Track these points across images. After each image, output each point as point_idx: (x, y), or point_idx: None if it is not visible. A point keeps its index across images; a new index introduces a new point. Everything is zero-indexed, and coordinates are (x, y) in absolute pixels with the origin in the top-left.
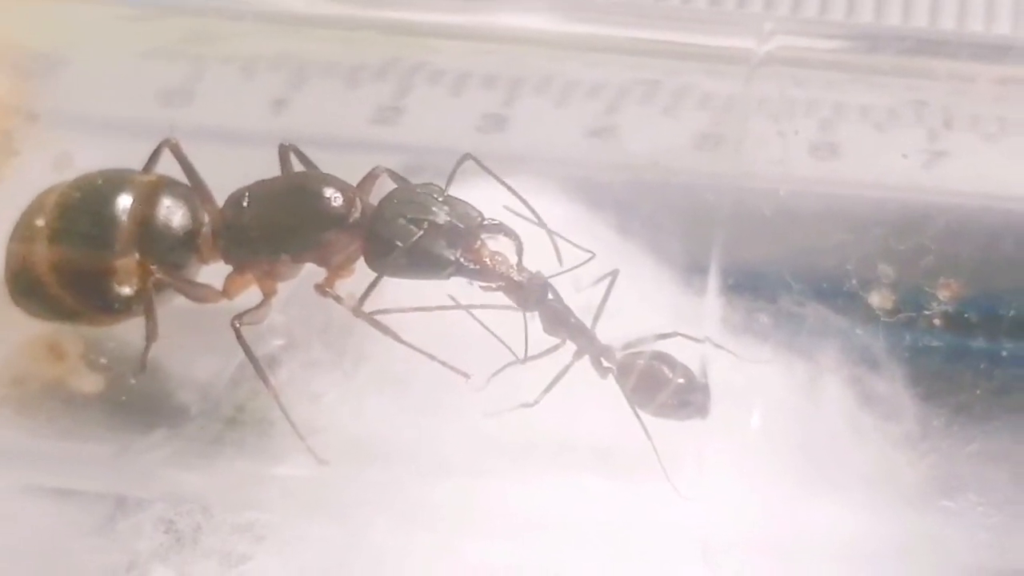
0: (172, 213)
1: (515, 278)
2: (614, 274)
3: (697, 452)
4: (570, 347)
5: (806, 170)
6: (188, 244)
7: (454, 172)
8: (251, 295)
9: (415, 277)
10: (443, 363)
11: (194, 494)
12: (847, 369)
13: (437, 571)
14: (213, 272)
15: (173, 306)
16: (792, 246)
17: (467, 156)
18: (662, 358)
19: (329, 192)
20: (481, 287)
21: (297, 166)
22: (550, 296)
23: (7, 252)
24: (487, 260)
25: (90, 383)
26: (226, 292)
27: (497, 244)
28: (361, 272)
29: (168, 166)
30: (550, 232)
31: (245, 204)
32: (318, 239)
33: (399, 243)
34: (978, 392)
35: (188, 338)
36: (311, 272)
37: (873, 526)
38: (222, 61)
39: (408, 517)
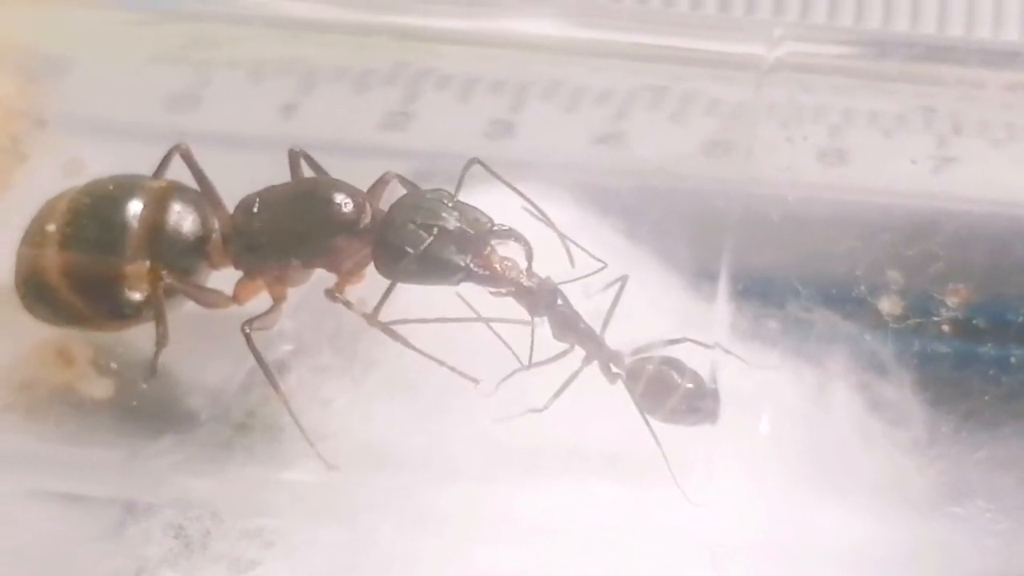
0: (183, 218)
1: (525, 284)
2: (623, 280)
3: (706, 458)
4: (579, 353)
5: (815, 176)
6: (198, 249)
7: (462, 177)
8: (261, 301)
9: (425, 283)
10: (452, 369)
11: (203, 499)
12: (855, 375)
13: None
14: (223, 278)
15: (183, 312)
16: (801, 252)
17: (474, 161)
18: (671, 363)
19: (339, 198)
20: (491, 293)
21: (307, 171)
22: (560, 302)
23: (17, 257)
24: (497, 266)
25: (99, 388)
26: (236, 297)
27: (507, 250)
28: (371, 278)
29: (178, 171)
30: (561, 236)
31: (255, 210)
32: (328, 245)
33: (409, 249)
34: (987, 398)
35: (198, 344)
36: (321, 278)
37: (881, 532)
38: (230, 66)
39: (417, 522)
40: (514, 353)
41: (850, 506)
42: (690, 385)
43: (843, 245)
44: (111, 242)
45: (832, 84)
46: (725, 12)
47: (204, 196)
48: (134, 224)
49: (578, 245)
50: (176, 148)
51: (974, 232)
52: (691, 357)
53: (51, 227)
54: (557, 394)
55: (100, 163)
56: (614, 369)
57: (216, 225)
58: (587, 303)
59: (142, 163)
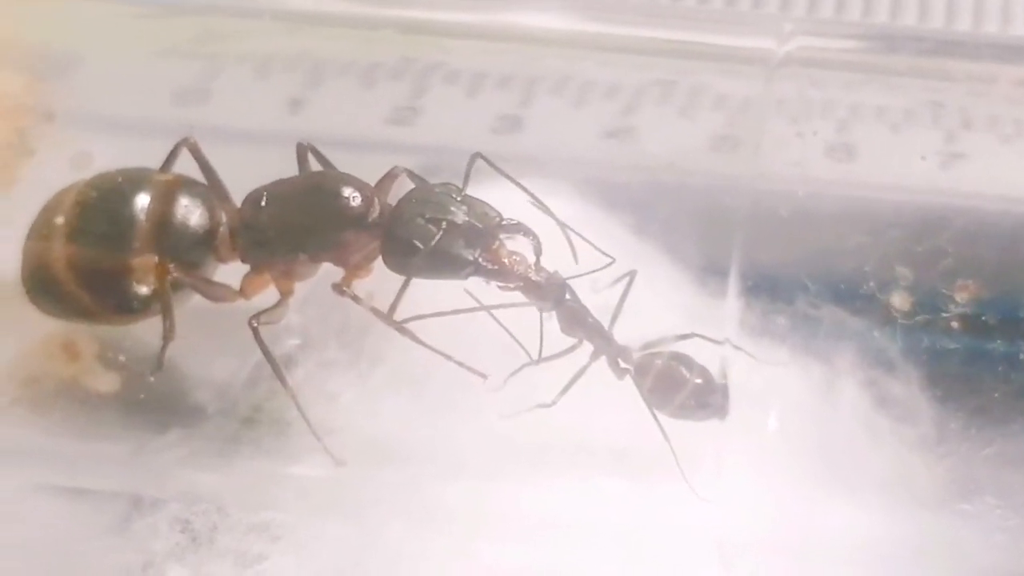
0: (190, 212)
1: (533, 278)
2: (632, 275)
3: (715, 453)
4: (587, 348)
5: (824, 172)
6: (206, 243)
7: (469, 172)
8: (268, 295)
9: (434, 277)
10: (460, 364)
11: (210, 494)
12: (864, 371)
13: (452, 572)
14: (230, 271)
15: (190, 306)
16: (810, 248)
17: (477, 155)
18: (680, 359)
19: (348, 192)
20: (499, 287)
21: (315, 166)
22: (568, 296)
23: (24, 250)
24: (506, 260)
25: (105, 382)
26: (243, 292)
27: (516, 244)
28: (379, 272)
29: (186, 165)
30: (565, 229)
31: (263, 203)
32: (336, 239)
33: (418, 243)
34: (996, 395)
35: (205, 338)
36: (328, 272)
37: (890, 528)
38: (237, 60)
39: (424, 518)
40: (523, 347)
41: (858, 502)
42: (699, 380)
43: (852, 241)
44: (118, 236)
45: (841, 79)
46: (732, 7)
47: (211, 190)
48: (141, 218)
49: (586, 240)
50: (183, 142)
51: (983, 228)
52: (700, 353)
53: (58, 220)
54: (565, 389)
55: (107, 157)
56: (622, 364)
57: (223, 219)
58: (595, 298)
59: (149, 157)
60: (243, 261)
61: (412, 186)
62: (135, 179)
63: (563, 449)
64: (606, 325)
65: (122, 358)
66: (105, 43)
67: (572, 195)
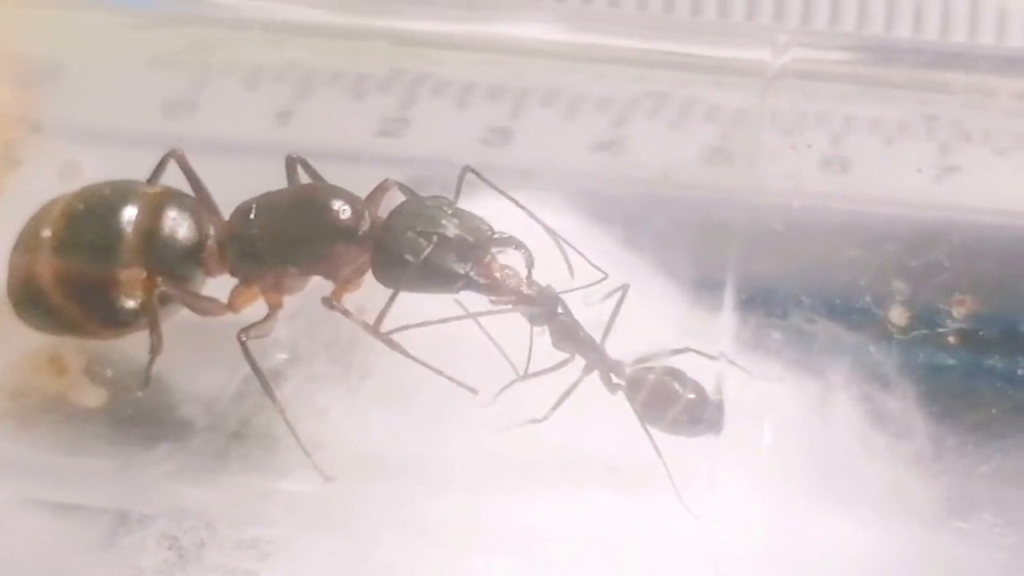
0: (178, 225)
1: (525, 292)
2: (624, 289)
3: (709, 469)
4: (579, 362)
5: (819, 184)
6: (194, 256)
7: (459, 185)
8: (256, 309)
9: (425, 291)
10: (451, 379)
11: (198, 509)
12: (859, 387)
13: None
14: (219, 285)
15: (178, 319)
16: (805, 262)
17: (467, 169)
18: (673, 374)
19: (338, 204)
20: (491, 301)
21: (304, 178)
22: (560, 311)
23: (10, 263)
24: (497, 274)
25: (93, 397)
26: (232, 305)
27: (507, 258)
28: (369, 285)
29: (174, 178)
30: (558, 241)
31: (252, 216)
32: (326, 252)
33: (409, 256)
34: (993, 411)
35: (193, 352)
36: (318, 286)
37: (885, 545)
38: (225, 71)
39: (414, 532)
40: (511, 363)
41: (854, 518)
42: (692, 396)
43: (847, 255)
44: (105, 248)
45: (834, 91)
46: (726, 18)
47: (200, 202)
48: (129, 230)
49: (579, 252)
50: (171, 154)
51: (981, 242)
52: (694, 368)
53: (45, 233)
54: (557, 404)
55: (95, 168)
56: (615, 379)
57: (212, 231)
58: (587, 312)
59: (137, 169)
60: (232, 274)
61: (403, 199)
62: (123, 191)
63: (555, 464)
64: (598, 339)
65: (109, 372)
66: (92, 53)
67: (563, 208)
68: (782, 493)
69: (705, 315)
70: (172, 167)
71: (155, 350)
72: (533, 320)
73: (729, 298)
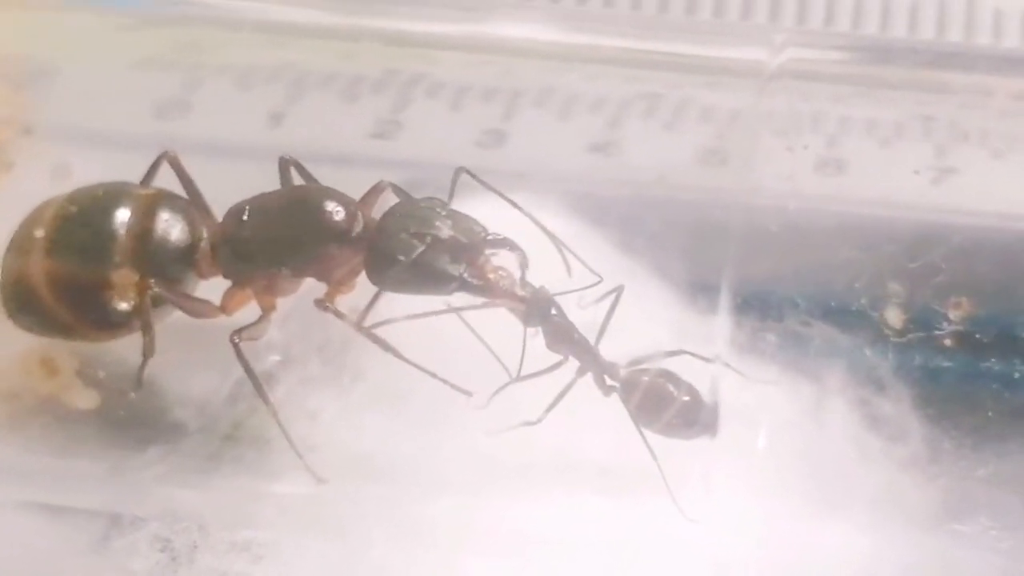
0: (170, 227)
1: (519, 294)
2: (619, 291)
3: (703, 472)
4: (573, 364)
5: (814, 186)
6: (186, 258)
7: (453, 187)
8: (249, 311)
9: (418, 292)
10: (445, 381)
11: (190, 512)
12: (855, 390)
13: None
14: (211, 287)
15: (170, 322)
16: (800, 264)
17: (461, 170)
18: (667, 376)
19: (331, 205)
20: (485, 303)
21: (297, 180)
22: (554, 312)
23: (2, 265)
24: (491, 275)
25: (84, 399)
26: (224, 307)
27: (501, 259)
28: (362, 287)
29: (166, 179)
30: (558, 243)
31: (245, 217)
32: (319, 253)
33: (402, 258)
34: (990, 414)
35: (185, 354)
36: (310, 288)
37: (881, 548)
38: (218, 72)
39: (408, 535)
40: (504, 366)
41: (850, 522)
42: (686, 398)
43: (843, 257)
44: (98, 250)
45: (831, 92)
46: (721, 18)
47: (192, 204)
48: (121, 232)
49: (574, 255)
50: (164, 155)
51: (978, 244)
52: (689, 371)
53: (37, 234)
54: (551, 407)
55: (87, 171)
56: (609, 381)
57: (204, 233)
58: (582, 314)
59: (130, 171)
60: (224, 276)
61: (397, 201)
62: (115, 193)
63: (549, 466)
64: (592, 341)
65: (102, 374)
66: (84, 54)
67: (557, 210)
68: (777, 496)
69: (700, 318)
70: (165, 169)
71: (148, 352)
72: (527, 322)
73: (724, 301)
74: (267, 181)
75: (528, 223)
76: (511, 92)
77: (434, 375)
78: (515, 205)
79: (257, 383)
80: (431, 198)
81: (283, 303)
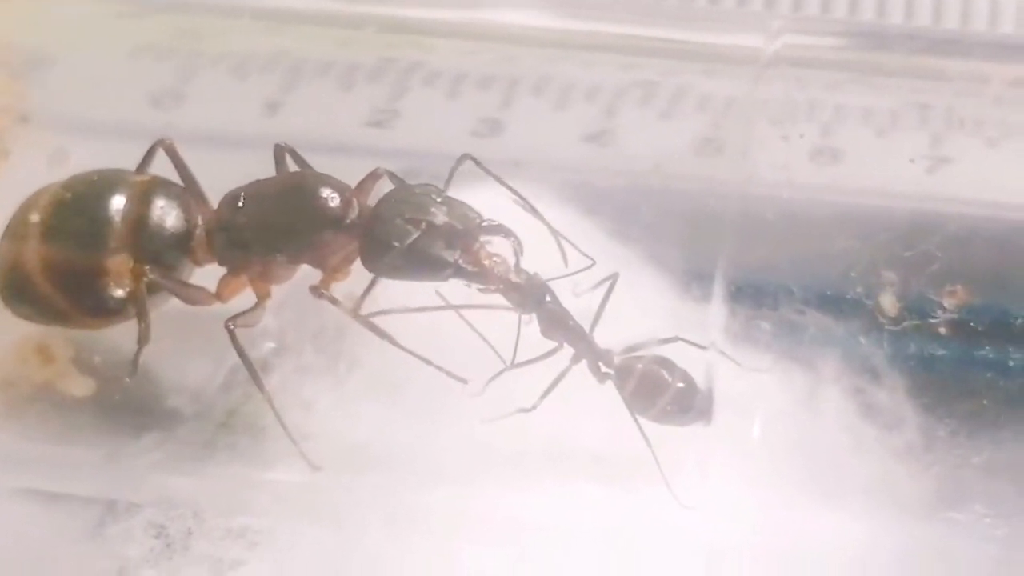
0: (166, 214)
1: (513, 280)
2: (613, 278)
3: (698, 459)
4: (568, 351)
5: (810, 175)
6: (182, 245)
7: (452, 173)
8: (244, 298)
9: (412, 279)
10: (440, 368)
11: (185, 499)
12: (849, 378)
13: None
14: (207, 274)
15: (166, 309)
16: (796, 252)
17: (466, 157)
18: (662, 363)
19: (326, 192)
20: (479, 290)
21: (293, 168)
22: (548, 299)
23: None
24: (486, 262)
25: (80, 386)
26: (220, 294)
27: (496, 246)
28: (358, 273)
29: (162, 167)
30: (554, 231)
31: (240, 204)
32: (314, 240)
33: (396, 244)
34: (984, 402)
35: (180, 341)
36: (306, 275)
37: (877, 537)
38: (214, 61)
39: (403, 523)
40: (497, 354)
41: (844, 511)
42: (681, 384)
43: (839, 245)
44: (93, 237)
45: (826, 80)
46: (716, 4)
47: (188, 191)
48: (117, 219)
49: (568, 241)
50: (160, 143)
51: (973, 233)
52: (684, 358)
53: (33, 220)
54: (545, 394)
55: (83, 158)
56: (603, 368)
57: (200, 220)
58: (576, 302)
59: (126, 158)
60: (219, 263)
61: (392, 188)
62: (111, 180)
63: (543, 454)
64: (587, 329)
65: (97, 362)
66: (81, 43)
67: (553, 200)
68: (772, 484)
69: (695, 306)
70: (161, 156)
71: (143, 339)
72: (522, 309)
73: (719, 289)
74: (263, 169)
75: (523, 211)
76: (508, 80)
77: (429, 363)
78: (515, 193)
79: (252, 370)
80: (426, 184)
81: (278, 290)
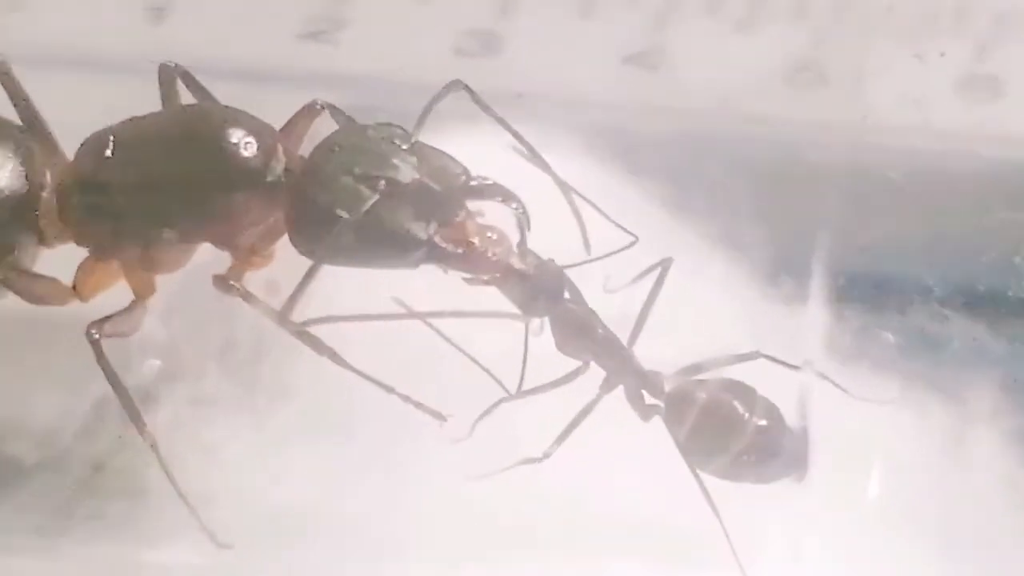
0: None
1: (516, 267)
2: (664, 266)
3: (787, 531)
4: (596, 373)
5: (956, 115)
6: (20, 216)
7: (429, 109)
8: (115, 295)
9: (367, 264)
10: (407, 399)
11: None
12: (1010, 417)
13: None
14: (60, 258)
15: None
16: (933, 229)
17: (457, 84)
18: (735, 390)
19: (235, 135)
20: (465, 280)
21: (187, 99)
22: (568, 296)
23: None
24: (475, 240)
25: None
26: (78, 288)
27: (490, 217)
28: (284, 256)
29: None
30: (576, 195)
31: (108, 153)
32: (218, 206)
33: (343, 212)
34: None
35: (19, 358)
36: (206, 261)
37: None
38: None
39: None
40: (493, 376)
41: None
42: (762, 422)
43: (997, 218)
44: None
45: None
46: None
47: (29, 134)
48: None
49: (598, 209)
50: None
51: None
52: (767, 382)
53: None
54: (563, 436)
55: None
56: (648, 398)
57: (48, 179)
58: (609, 300)
59: None
60: (78, 242)
61: (336, 128)
62: None
63: (559, 523)
64: (624, 340)
65: None
66: None
67: (575, 151)
68: (894, 565)
69: (785, 308)
70: None
71: None
72: (528, 309)
73: (819, 282)
74: (142, 100)
75: (530, 166)
76: None
77: (392, 391)
78: (519, 138)
79: (127, 402)
80: (387, 124)
81: (165, 282)
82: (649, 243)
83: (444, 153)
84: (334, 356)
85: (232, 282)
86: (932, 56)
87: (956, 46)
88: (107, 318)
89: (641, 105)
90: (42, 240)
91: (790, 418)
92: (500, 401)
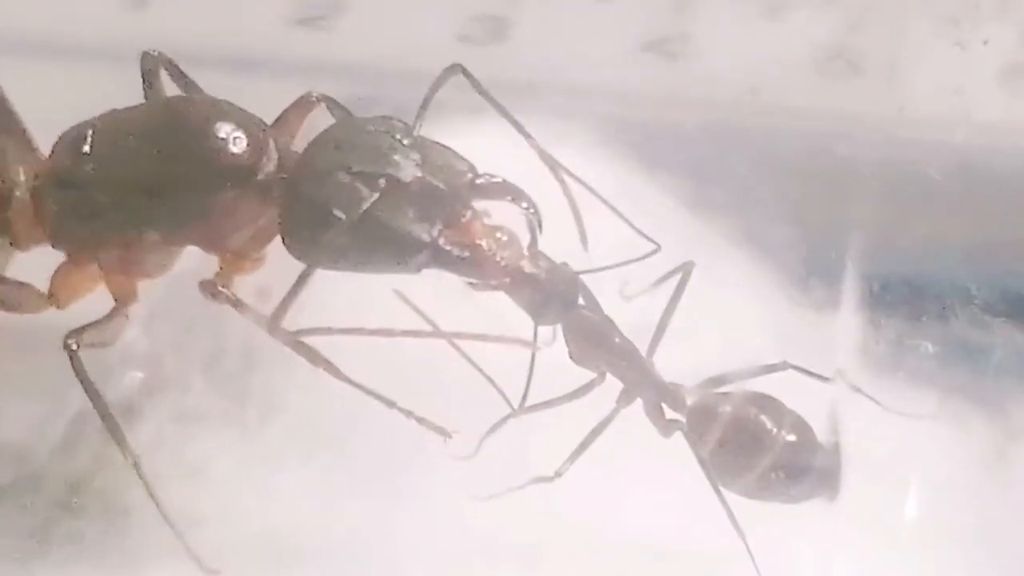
0: None
1: (526, 271)
2: (685, 270)
3: (819, 554)
4: (612, 385)
5: (1000, 107)
6: None
7: (429, 99)
8: (93, 302)
9: (365, 269)
10: (409, 414)
11: None
12: None
13: None
14: (34, 262)
15: None
16: (974, 229)
17: (456, 69)
18: (762, 403)
19: (224, 129)
20: (471, 285)
21: (171, 90)
22: (581, 302)
23: None
24: (482, 242)
25: None
26: (54, 295)
27: (497, 217)
28: (277, 260)
29: None
30: (589, 193)
31: (87, 149)
32: (205, 206)
33: (339, 213)
34: None
35: None
36: (192, 266)
37: None
38: None
39: None
40: (499, 391)
41: None
42: (791, 437)
43: None
44: None
45: None
46: None
47: (2, 128)
48: None
49: (614, 210)
50: None
51: None
52: (797, 394)
53: None
54: (576, 454)
55: None
56: (669, 412)
57: (21, 176)
58: (626, 307)
59: None
60: (54, 245)
61: (332, 122)
62: None
63: (573, 546)
64: (643, 349)
65: None
66: None
67: (591, 145)
68: None
69: (815, 315)
70: None
71: None
72: (540, 317)
73: (852, 287)
74: (123, 91)
75: (541, 163)
76: None
77: (393, 405)
78: (521, 130)
79: (108, 417)
80: (386, 118)
81: (148, 289)
82: (669, 244)
83: (448, 148)
84: (329, 367)
85: (220, 288)
86: (974, 43)
87: (1000, 32)
88: (86, 327)
89: (661, 96)
90: (15, 243)
91: (821, 433)
92: (509, 416)
